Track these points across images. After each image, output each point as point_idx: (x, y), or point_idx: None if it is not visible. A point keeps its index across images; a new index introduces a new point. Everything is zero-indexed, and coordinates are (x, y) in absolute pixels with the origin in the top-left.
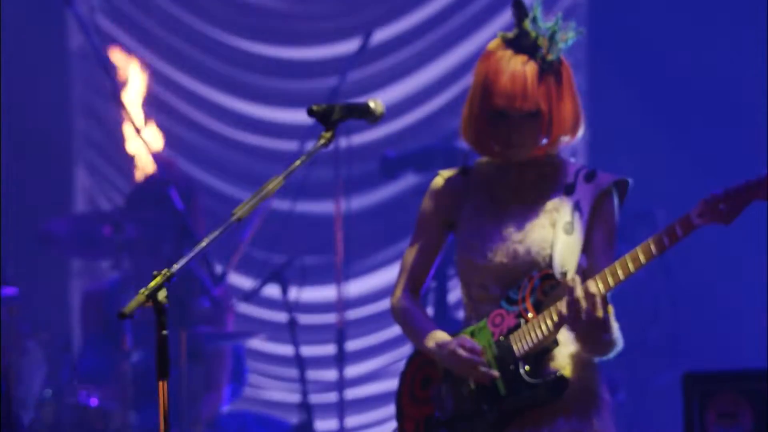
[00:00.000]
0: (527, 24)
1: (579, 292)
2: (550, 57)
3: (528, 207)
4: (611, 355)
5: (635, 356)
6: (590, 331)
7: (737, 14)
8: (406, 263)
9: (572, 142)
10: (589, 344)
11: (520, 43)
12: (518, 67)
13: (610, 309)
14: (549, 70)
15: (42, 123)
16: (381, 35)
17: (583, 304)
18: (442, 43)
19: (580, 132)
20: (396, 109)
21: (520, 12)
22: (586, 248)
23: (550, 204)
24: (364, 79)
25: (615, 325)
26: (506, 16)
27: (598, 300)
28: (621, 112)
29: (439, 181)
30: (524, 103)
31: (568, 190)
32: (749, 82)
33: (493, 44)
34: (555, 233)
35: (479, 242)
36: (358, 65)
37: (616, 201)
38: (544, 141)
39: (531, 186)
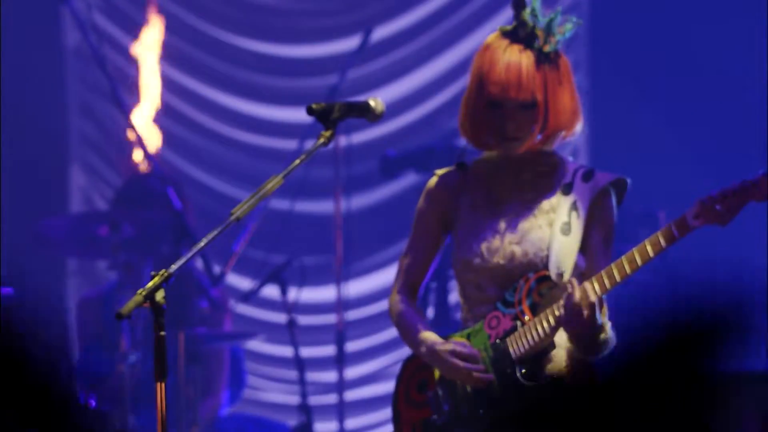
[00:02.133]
0: (526, 15)
1: (577, 296)
2: (547, 48)
3: (525, 206)
4: (604, 353)
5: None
6: (586, 333)
7: (739, 13)
8: (403, 264)
9: (570, 138)
10: (584, 345)
11: (517, 33)
12: (514, 56)
13: (604, 309)
14: (545, 61)
15: (37, 121)
16: (381, 33)
17: (581, 307)
18: (442, 40)
19: (579, 127)
20: (396, 108)
21: (519, 3)
22: (584, 249)
23: (547, 204)
24: (364, 77)
25: (608, 324)
26: (507, 13)
27: (596, 303)
28: (622, 111)
29: (435, 180)
30: (519, 92)
31: (566, 190)
32: (751, 81)
33: (492, 37)
34: (552, 234)
35: (475, 242)
36: (358, 63)
37: (614, 201)
38: (540, 135)
39: (528, 185)
